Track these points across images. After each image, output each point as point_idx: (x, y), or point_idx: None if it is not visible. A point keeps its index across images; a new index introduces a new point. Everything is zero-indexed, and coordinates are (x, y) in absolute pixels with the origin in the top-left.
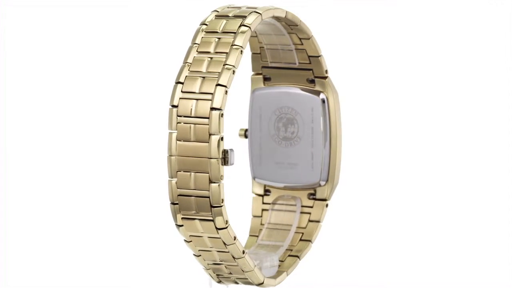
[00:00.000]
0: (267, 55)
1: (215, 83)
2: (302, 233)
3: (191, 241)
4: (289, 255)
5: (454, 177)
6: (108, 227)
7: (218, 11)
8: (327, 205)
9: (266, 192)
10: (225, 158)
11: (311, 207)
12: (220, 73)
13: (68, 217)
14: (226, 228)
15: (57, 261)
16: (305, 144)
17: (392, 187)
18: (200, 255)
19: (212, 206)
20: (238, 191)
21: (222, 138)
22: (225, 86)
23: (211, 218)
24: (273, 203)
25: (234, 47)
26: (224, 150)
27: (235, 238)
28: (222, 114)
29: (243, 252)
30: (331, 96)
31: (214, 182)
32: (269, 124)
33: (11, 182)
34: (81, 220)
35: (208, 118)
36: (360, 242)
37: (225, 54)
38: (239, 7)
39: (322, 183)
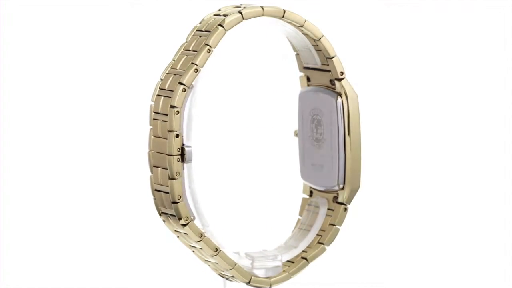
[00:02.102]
0: (300, 56)
1: (178, 81)
2: (321, 236)
3: (178, 236)
4: (301, 257)
5: (475, 183)
6: (113, 227)
7: (220, 10)
8: (345, 209)
9: (311, 193)
10: (183, 155)
11: (333, 210)
12: (184, 71)
13: (75, 216)
14: (187, 224)
15: (60, 262)
16: (327, 146)
17: (415, 192)
18: (193, 251)
19: (172, 202)
20: (295, 191)
21: (177, 135)
22: (184, 85)
23: (173, 214)
24: (308, 205)
25: (204, 46)
26: (182, 147)
27: (201, 235)
28: (177, 112)
29: (216, 250)
30: (347, 98)
31: (172, 178)
32: (307, 125)
33: None
34: (82, 220)
35: (167, 115)
36: (377, 249)
37: (196, 52)
38: (239, 7)
39: (340, 186)
